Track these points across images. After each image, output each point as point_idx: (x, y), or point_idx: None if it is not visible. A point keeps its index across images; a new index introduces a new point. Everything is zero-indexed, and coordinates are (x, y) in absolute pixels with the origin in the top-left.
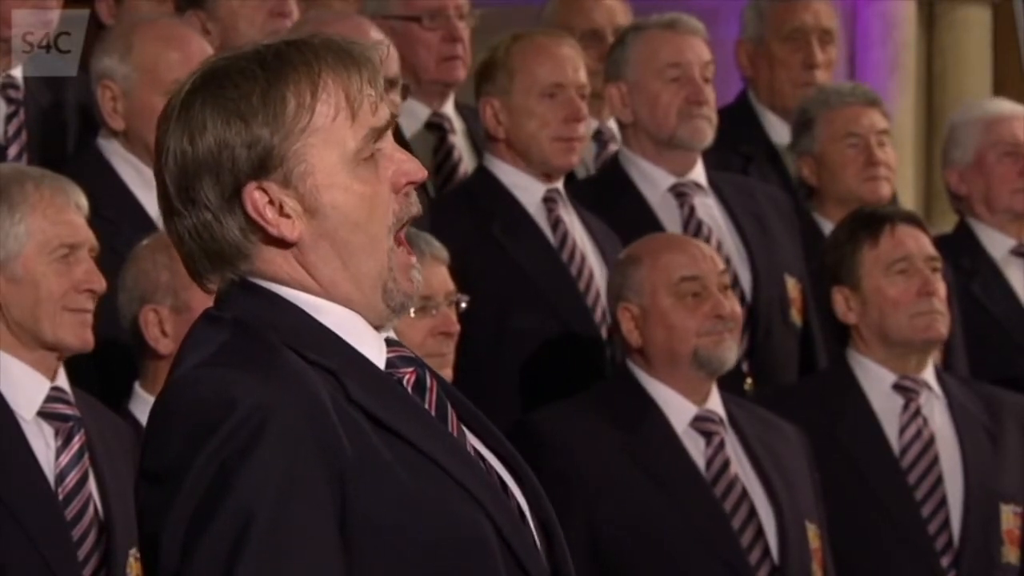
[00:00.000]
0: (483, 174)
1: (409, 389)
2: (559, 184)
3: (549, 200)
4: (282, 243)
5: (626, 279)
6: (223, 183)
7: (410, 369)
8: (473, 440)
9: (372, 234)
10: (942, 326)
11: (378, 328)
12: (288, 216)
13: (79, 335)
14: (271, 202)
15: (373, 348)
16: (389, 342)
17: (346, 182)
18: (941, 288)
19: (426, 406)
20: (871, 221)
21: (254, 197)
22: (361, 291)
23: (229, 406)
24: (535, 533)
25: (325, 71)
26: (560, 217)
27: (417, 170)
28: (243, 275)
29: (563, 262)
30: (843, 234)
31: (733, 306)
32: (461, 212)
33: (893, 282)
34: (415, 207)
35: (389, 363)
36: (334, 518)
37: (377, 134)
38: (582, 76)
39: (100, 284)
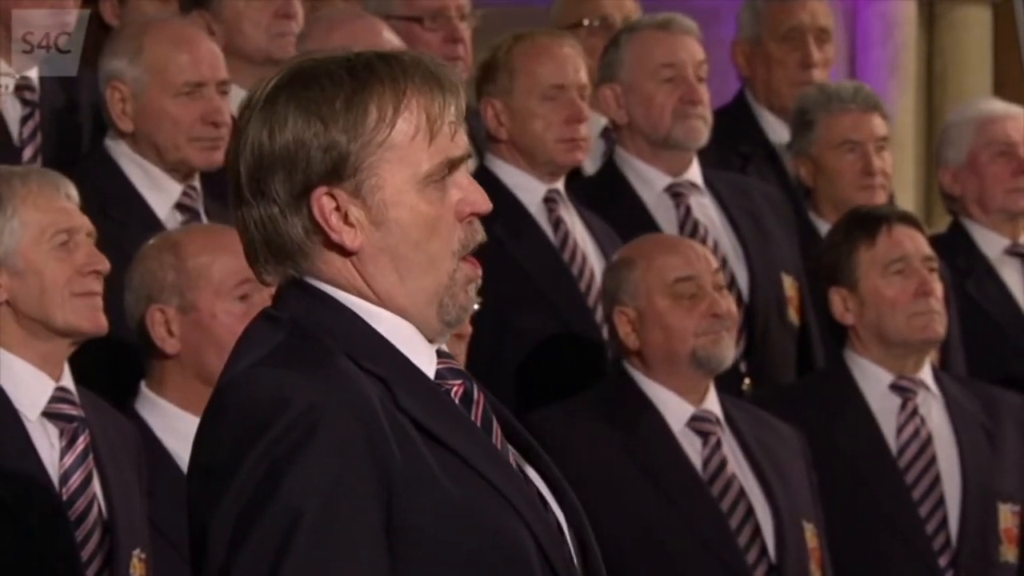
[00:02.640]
0: (484, 174)
1: (457, 401)
2: (560, 184)
3: (550, 200)
4: (342, 249)
5: (620, 282)
6: (294, 181)
7: (459, 381)
8: (515, 455)
9: (431, 254)
10: (939, 326)
11: (430, 342)
12: (352, 225)
13: (91, 318)
14: (338, 209)
15: (424, 358)
16: (440, 353)
17: (413, 201)
18: (938, 288)
19: (472, 419)
20: (867, 221)
21: (321, 202)
22: (416, 306)
23: (282, 405)
24: (572, 549)
25: (411, 89)
26: (561, 217)
27: (483, 202)
28: (302, 273)
29: (564, 262)
30: (839, 235)
31: (729, 305)
32: None
33: (890, 282)
34: (480, 234)
35: (438, 374)
36: (381, 521)
37: (452, 164)
38: (583, 77)
39: (103, 264)
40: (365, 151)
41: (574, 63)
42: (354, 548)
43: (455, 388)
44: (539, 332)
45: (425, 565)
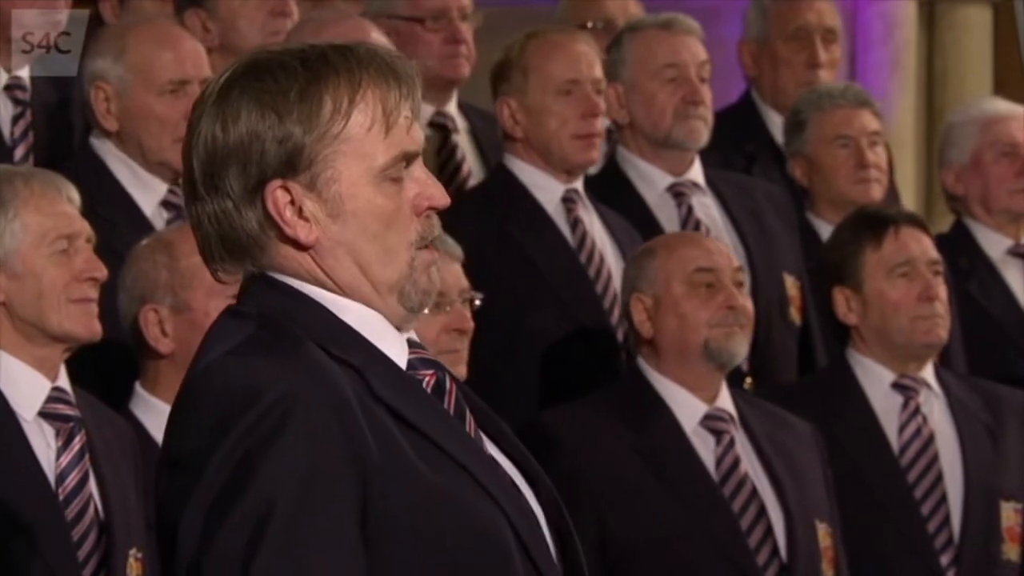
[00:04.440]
0: (502, 173)
1: (429, 391)
2: (578, 183)
3: (568, 200)
4: (298, 243)
5: (640, 270)
6: (248, 175)
7: (430, 371)
8: (489, 445)
9: (388, 247)
10: (942, 330)
11: (398, 329)
12: (306, 219)
13: (86, 325)
14: (292, 202)
15: (395, 347)
16: (410, 343)
17: (369, 194)
18: (942, 292)
19: (445, 408)
20: (875, 223)
21: (276, 195)
22: (379, 295)
23: (255, 395)
24: (548, 537)
25: (366, 80)
26: (579, 217)
27: (441, 196)
28: (261, 268)
29: (581, 262)
30: (846, 234)
31: (746, 302)
32: (479, 211)
33: (895, 285)
34: (437, 228)
35: (410, 364)
36: (356, 511)
37: (408, 158)
38: (597, 72)
39: (101, 271)
40: (320, 143)
41: (588, 59)
42: (329, 537)
43: (427, 378)
44: (554, 332)
45: (403, 553)
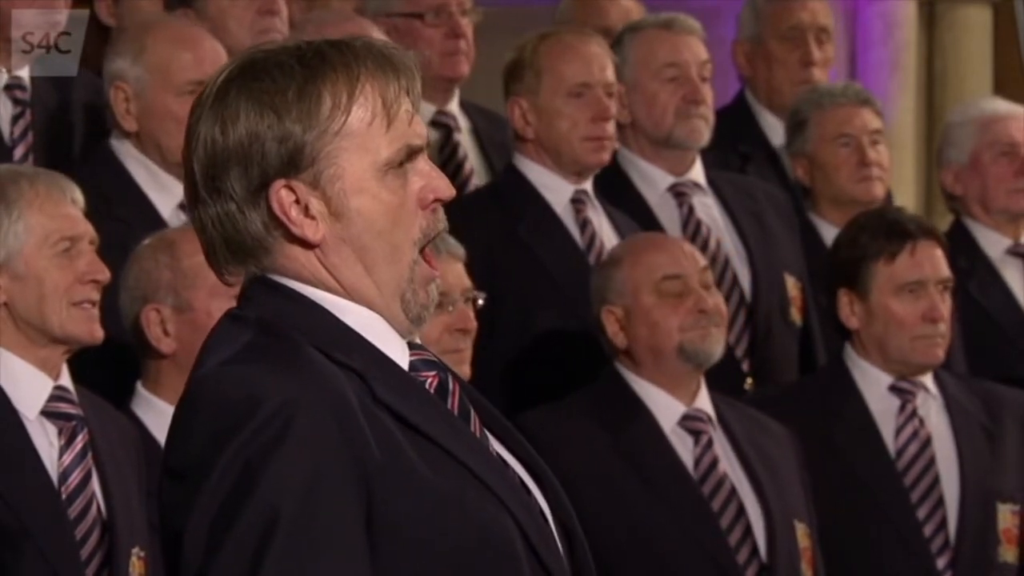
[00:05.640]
0: (512, 174)
1: (431, 392)
2: (588, 184)
3: (577, 201)
4: (304, 243)
5: (608, 281)
6: (251, 176)
7: (432, 373)
8: (495, 444)
9: (395, 243)
10: (941, 351)
11: (400, 336)
12: (313, 217)
13: (87, 329)
14: (297, 201)
15: (396, 350)
16: (412, 345)
17: (374, 189)
18: (947, 310)
19: (449, 409)
20: (893, 234)
21: (280, 195)
22: (382, 298)
23: (255, 404)
24: (556, 536)
25: (364, 74)
26: (588, 218)
27: (446, 188)
28: (264, 270)
29: (590, 263)
30: (862, 237)
31: (717, 301)
32: (488, 211)
33: (902, 302)
34: (442, 223)
35: (411, 366)
36: (360, 517)
37: (412, 152)
38: (609, 75)
39: (104, 274)
40: (321, 140)
41: (600, 61)
42: (334, 543)
43: (429, 379)
44: (562, 333)
45: (407, 556)
